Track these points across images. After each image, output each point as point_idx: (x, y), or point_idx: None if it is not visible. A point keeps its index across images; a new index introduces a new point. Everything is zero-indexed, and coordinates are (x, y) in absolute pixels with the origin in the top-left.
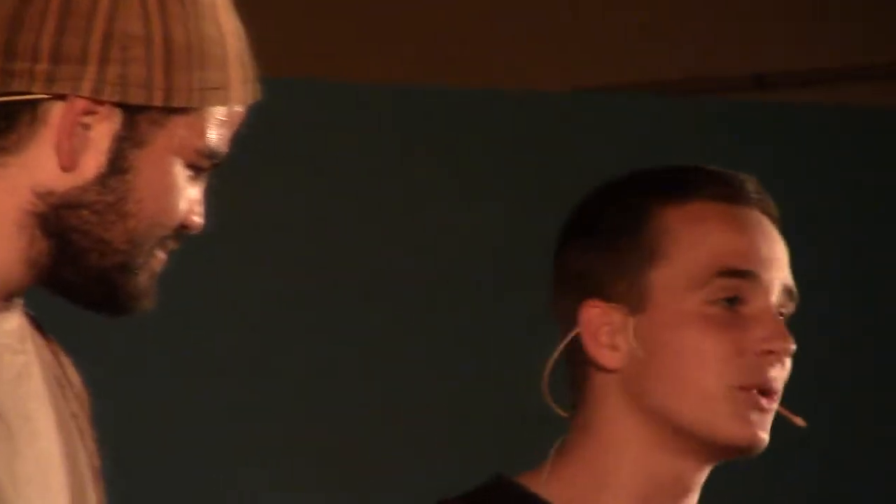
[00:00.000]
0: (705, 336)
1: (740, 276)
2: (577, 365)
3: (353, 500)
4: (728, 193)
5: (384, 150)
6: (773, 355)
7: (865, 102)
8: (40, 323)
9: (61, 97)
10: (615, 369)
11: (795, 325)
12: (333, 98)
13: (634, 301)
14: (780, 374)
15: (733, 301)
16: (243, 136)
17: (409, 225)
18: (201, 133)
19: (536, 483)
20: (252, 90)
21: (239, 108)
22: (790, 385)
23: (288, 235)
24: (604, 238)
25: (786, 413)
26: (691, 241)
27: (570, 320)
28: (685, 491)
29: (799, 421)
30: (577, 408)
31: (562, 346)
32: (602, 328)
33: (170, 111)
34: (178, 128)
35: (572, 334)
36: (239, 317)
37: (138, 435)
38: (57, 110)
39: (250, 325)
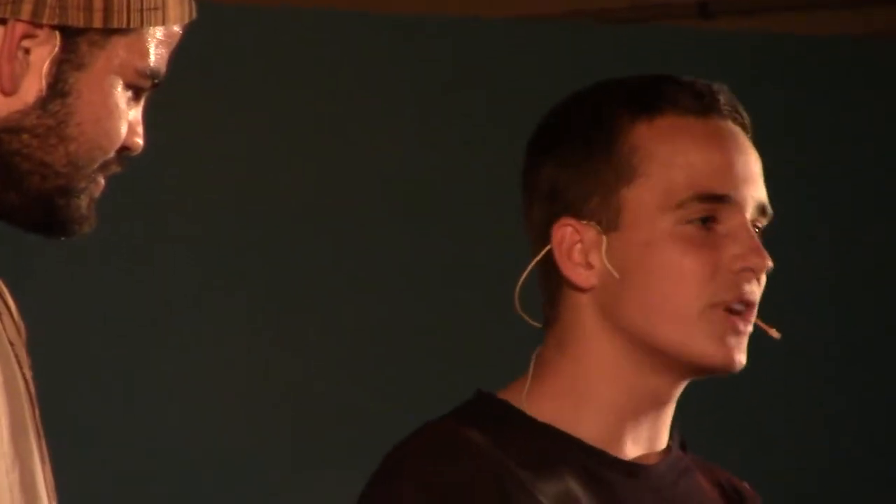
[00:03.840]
0: (680, 256)
1: (717, 200)
2: (551, 282)
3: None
4: (700, 106)
5: (332, 74)
6: (749, 272)
7: (808, 31)
8: None
9: (0, 22)
10: (589, 288)
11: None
12: (277, 22)
13: (607, 219)
14: (756, 288)
15: (707, 220)
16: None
17: (348, 160)
18: (141, 53)
19: (517, 398)
20: (189, 9)
21: (177, 28)
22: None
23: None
24: (574, 155)
25: (763, 326)
26: (665, 160)
27: (543, 237)
28: (662, 404)
29: (774, 333)
30: (552, 323)
31: (534, 262)
32: (575, 246)
33: (109, 32)
34: (117, 49)
35: (544, 251)
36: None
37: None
38: None
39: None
